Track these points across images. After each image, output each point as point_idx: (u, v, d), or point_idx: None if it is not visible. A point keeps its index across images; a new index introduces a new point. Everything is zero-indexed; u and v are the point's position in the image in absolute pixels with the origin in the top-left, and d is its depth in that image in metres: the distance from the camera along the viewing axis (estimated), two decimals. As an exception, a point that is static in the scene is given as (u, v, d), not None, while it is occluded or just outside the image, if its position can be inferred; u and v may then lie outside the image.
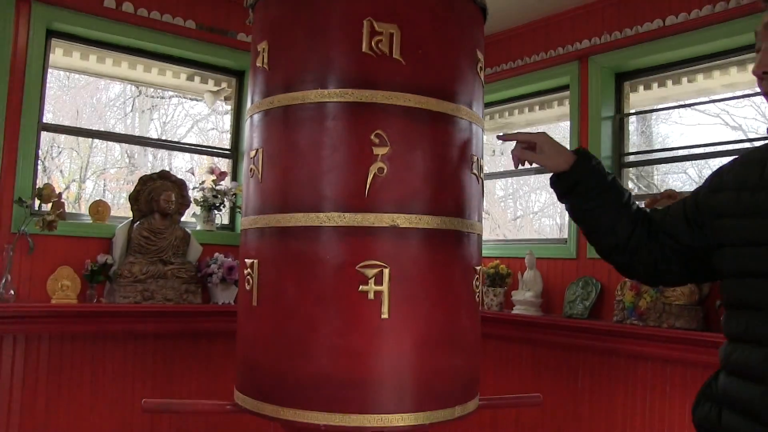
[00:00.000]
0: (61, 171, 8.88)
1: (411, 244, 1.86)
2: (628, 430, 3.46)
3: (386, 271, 1.81)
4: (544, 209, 9.56)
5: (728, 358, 1.39)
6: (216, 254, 3.90)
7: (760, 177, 1.39)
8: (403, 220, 1.84)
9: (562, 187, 1.75)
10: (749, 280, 1.35)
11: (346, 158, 1.85)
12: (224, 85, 4.38)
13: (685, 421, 3.18)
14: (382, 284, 1.81)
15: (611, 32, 3.83)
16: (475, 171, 2.04)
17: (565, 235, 4.14)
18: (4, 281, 3.30)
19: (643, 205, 3.32)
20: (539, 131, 1.80)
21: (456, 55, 2.01)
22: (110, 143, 8.98)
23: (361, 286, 1.81)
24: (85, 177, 9.12)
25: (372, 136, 1.84)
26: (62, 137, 8.20)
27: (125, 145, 8.98)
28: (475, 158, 2.05)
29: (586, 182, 1.70)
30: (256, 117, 2.07)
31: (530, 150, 1.80)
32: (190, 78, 4.25)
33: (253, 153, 2.05)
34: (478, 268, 2.06)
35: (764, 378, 1.26)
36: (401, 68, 1.89)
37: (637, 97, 4.05)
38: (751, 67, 1.42)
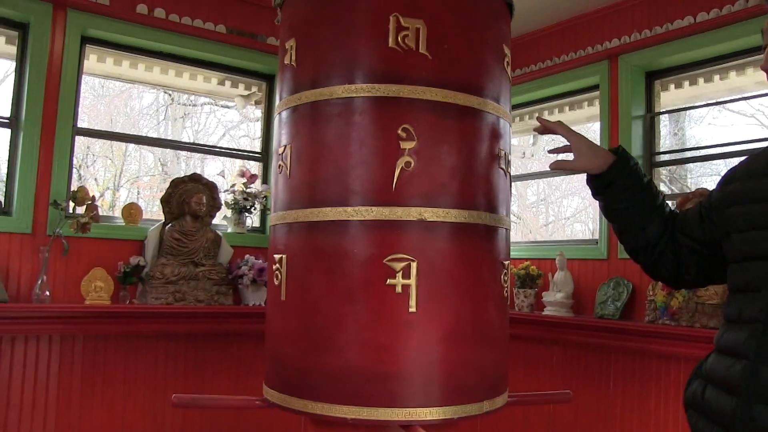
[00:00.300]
0: (95, 179, 9.03)
1: (438, 238, 1.86)
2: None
3: (414, 265, 1.82)
4: (576, 214, 9.47)
5: (720, 339, 1.43)
6: (247, 256, 3.93)
7: (766, 165, 1.42)
8: (430, 214, 1.84)
9: (598, 184, 1.76)
10: (749, 263, 1.39)
11: (374, 152, 1.86)
12: (255, 89, 4.42)
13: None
14: (409, 278, 1.81)
15: (641, 30, 3.80)
16: (502, 166, 2.03)
17: (596, 236, 4.11)
18: (39, 282, 3.37)
19: (674, 205, 3.29)
20: (573, 131, 1.80)
21: (482, 50, 2.01)
22: (144, 152, 9.11)
23: (388, 280, 1.81)
24: (119, 185, 9.27)
25: (399, 131, 1.85)
26: (97, 146, 8.35)
27: (158, 153, 9.13)
28: (503, 153, 2.04)
29: (623, 182, 1.71)
30: (284, 114, 2.09)
31: (566, 152, 1.81)
32: (220, 83, 4.30)
33: (281, 150, 2.07)
34: (506, 262, 2.06)
35: (747, 354, 1.29)
36: (427, 63, 1.90)
37: (669, 96, 4.00)
38: None
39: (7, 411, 3.31)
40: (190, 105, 9.15)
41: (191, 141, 9.19)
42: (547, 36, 4.43)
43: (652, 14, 3.81)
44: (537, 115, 4.63)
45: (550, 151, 1.86)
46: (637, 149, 3.89)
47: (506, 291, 2.06)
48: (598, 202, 1.79)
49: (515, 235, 9.58)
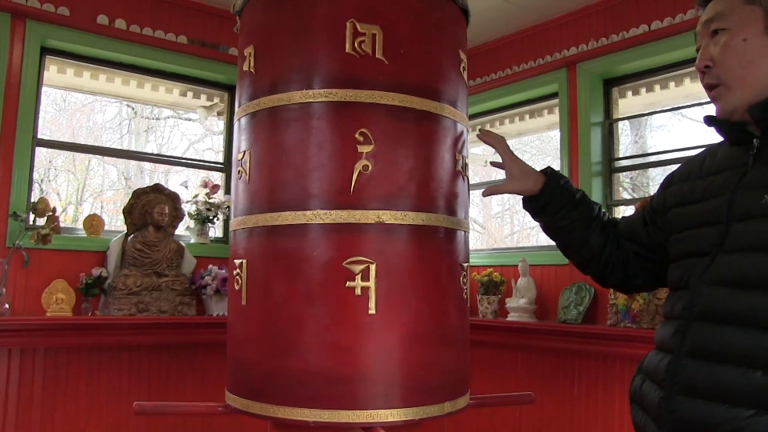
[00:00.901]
0: (57, 193, 8.92)
1: (397, 240, 1.89)
2: (624, 433, 3.46)
3: (372, 267, 1.84)
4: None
5: (656, 335, 1.49)
6: (210, 266, 3.92)
7: (700, 168, 1.51)
8: (388, 216, 1.86)
9: (534, 206, 1.82)
10: (681, 261, 1.46)
11: (331, 156, 1.88)
12: (217, 100, 4.42)
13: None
14: (368, 280, 1.83)
15: (598, 39, 3.88)
16: (460, 169, 2.06)
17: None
18: (-1, 295, 3.32)
19: (634, 210, 3.34)
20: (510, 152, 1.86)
21: (438, 55, 2.04)
22: (107, 166, 9.02)
23: (348, 283, 1.83)
24: (82, 199, 9.16)
25: (357, 135, 1.87)
26: (59, 160, 8.26)
27: (122, 167, 9.05)
28: (460, 156, 2.07)
29: (557, 201, 1.77)
30: (243, 120, 2.10)
31: (500, 168, 1.87)
32: (182, 94, 4.29)
33: (240, 155, 2.08)
34: (465, 264, 2.08)
35: (672, 348, 1.36)
36: (384, 68, 1.93)
37: (627, 103, 4.09)
38: None
39: (-35, 427, 3.26)
40: (153, 118, 9.09)
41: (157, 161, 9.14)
42: (506, 45, 4.50)
43: (608, 23, 3.89)
44: (498, 122, 4.69)
45: (492, 164, 1.92)
46: (596, 155, 3.96)
47: (466, 293, 2.08)
48: (538, 222, 1.85)
49: (480, 245, 9.66)
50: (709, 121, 1.47)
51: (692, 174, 1.53)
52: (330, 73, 1.93)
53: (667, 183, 1.62)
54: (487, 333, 3.98)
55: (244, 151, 2.05)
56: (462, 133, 2.11)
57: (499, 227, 10.21)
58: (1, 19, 3.48)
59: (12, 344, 3.35)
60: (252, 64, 2.08)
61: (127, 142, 9.24)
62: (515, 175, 1.82)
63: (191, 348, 3.89)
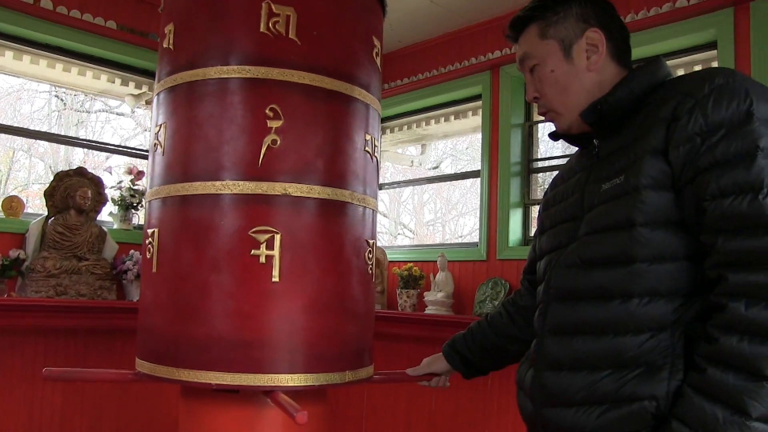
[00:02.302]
0: (-21, 186, 8.68)
1: (303, 213, 1.96)
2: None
3: (277, 237, 1.91)
4: (471, 233, 9.76)
5: None
6: (132, 251, 3.92)
7: (563, 173, 1.74)
8: (294, 189, 1.94)
9: (466, 374, 2.16)
10: (547, 255, 1.64)
11: (242, 130, 1.95)
12: (145, 88, 4.41)
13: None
14: (273, 249, 1.90)
15: (519, 44, 4.03)
16: (368, 149, 2.16)
17: (476, 239, 4.30)
18: None
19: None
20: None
21: (351, 40, 2.13)
22: (33, 158, 8.84)
23: (252, 251, 1.90)
24: (6, 192, 8.94)
25: (267, 110, 1.95)
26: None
27: (49, 161, 8.87)
28: (369, 137, 2.17)
29: (472, 359, 2.10)
30: (161, 95, 2.15)
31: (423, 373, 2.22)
32: (110, 80, 4.27)
33: (157, 128, 2.12)
34: (371, 241, 2.17)
35: (538, 329, 1.58)
36: (297, 48, 2.00)
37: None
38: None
39: None
40: (84, 111, 8.95)
41: (85, 151, 8.99)
42: (433, 47, 4.63)
43: (528, 29, 4.05)
44: (424, 123, 4.82)
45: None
46: (516, 156, 4.12)
47: (371, 268, 2.17)
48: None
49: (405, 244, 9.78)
50: (554, 136, 1.69)
51: (558, 181, 1.76)
52: (244, 51, 1.99)
53: (545, 195, 1.83)
54: (406, 326, 4.08)
55: (161, 125, 2.10)
56: (373, 115, 2.21)
57: (430, 234, 10.37)
58: None
59: None
60: (171, 41, 2.13)
61: (57, 131, 9.06)
62: (423, 364, 2.22)
63: (110, 333, 3.87)
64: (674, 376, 1.29)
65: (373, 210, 2.21)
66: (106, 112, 9.00)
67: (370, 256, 2.16)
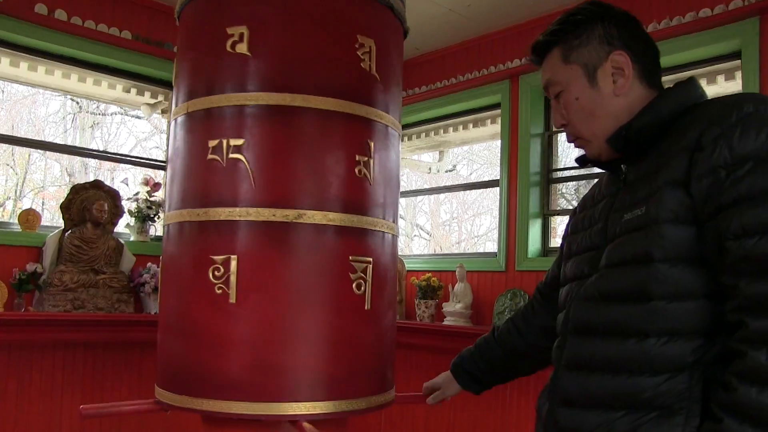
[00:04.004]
0: (-7, 188, 8.71)
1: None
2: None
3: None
4: (488, 233, 9.73)
5: None
6: (149, 264, 3.90)
7: (593, 196, 1.65)
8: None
9: (477, 390, 2.10)
10: (569, 284, 1.58)
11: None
12: (161, 98, 4.39)
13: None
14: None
15: (539, 52, 3.98)
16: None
17: (495, 249, 4.25)
18: (-73, 289, 3.26)
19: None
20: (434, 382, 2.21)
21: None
22: (49, 160, 8.85)
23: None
24: (22, 194, 8.96)
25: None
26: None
27: (65, 163, 8.87)
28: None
29: (483, 376, 2.05)
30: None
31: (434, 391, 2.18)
32: (126, 90, 4.25)
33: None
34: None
35: (555, 363, 1.54)
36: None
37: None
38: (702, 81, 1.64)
39: None
40: (99, 114, 8.95)
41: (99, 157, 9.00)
42: (452, 54, 4.59)
43: (549, 37, 3.99)
44: (442, 131, 4.77)
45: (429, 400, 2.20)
46: (535, 166, 4.07)
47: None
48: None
49: (426, 251, 9.74)
50: (582, 161, 1.62)
51: (587, 203, 1.66)
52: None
53: (573, 213, 1.74)
54: (423, 336, 4.04)
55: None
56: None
57: (446, 235, 10.32)
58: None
59: (-60, 339, 3.28)
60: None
61: (72, 138, 9.08)
62: (439, 384, 2.16)
63: (128, 346, 3.86)
64: (690, 422, 1.24)
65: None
66: (122, 114, 9.00)
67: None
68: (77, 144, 8.96)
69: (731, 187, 1.19)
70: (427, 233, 10.06)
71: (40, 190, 9.16)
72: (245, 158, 1.91)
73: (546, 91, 1.58)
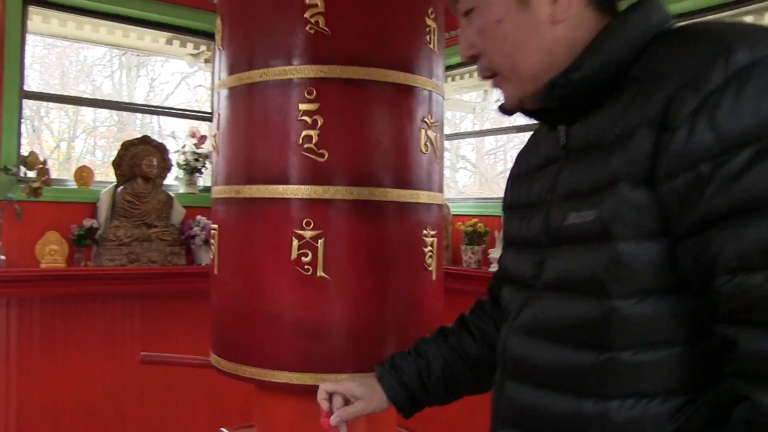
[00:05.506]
0: (50, 130, 8.92)
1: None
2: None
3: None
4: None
5: None
6: (198, 217, 4.00)
7: (528, 155, 1.25)
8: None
9: (408, 413, 1.46)
10: (507, 287, 1.21)
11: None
12: (203, 48, 4.42)
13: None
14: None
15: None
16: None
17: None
18: (-6, 247, 3.43)
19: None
20: (343, 381, 1.46)
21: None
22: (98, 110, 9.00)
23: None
24: (75, 136, 9.17)
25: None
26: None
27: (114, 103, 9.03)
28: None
29: (420, 396, 1.43)
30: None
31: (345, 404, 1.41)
32: (168, 42, 4.29)
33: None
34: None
35: (492, 416, 1.17)
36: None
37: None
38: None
39: (-34, 373, 3.42)
40: (144, 55, 9.02)
41: (147, 89, 9.12)
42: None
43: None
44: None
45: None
46: None
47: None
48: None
49: (471, 182, 9.70)
50: (504, 109, 1.18)
51: (529, 159, 1.23)
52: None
53: (513, 170, 1.31)
54: (469, 282, 4.10)
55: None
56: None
57: (492, 165, 10.25)
58: (-18, -28, 3.48)
59: (9, 295, 3.47)
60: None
61: (118, 77, 9.21)
62: (357, 395, 1.40)
63: (181, 295, 4.01)
64: None
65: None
66: (164, 61, 9.06)
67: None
68: (123, 83, 9.11)
69: (720, 191, 0.81)
70: (472, 164, 10.00)
71: (92, 130, 9.35)
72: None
73: (451, 4, 1.16)
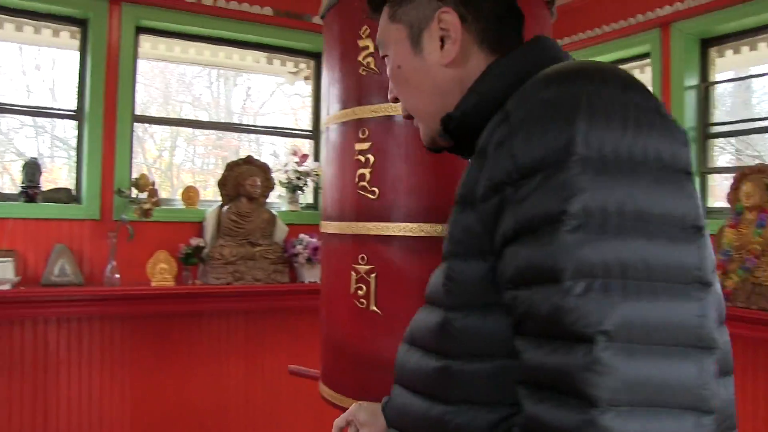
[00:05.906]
0: (153, 140, 9.25)
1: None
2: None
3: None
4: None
5: None
6: (301, 235, 4.06)
7: None
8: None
9: None
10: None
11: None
12: (303, 66, 4.48)
13: (768, 400, 3.16)
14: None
15: (694, -3, 3.70)
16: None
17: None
18: (109, 266, 3.57)
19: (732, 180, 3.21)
20: (350, 409, 1.40)
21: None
22: (198, 111, 9.26)
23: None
24: (176, 145, 9.47)
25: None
26: (153, 107, 8.54)
27: (212, 113, 9.27)
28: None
29: None
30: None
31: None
32: (269, 62, 4.39)
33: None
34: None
35: None
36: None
37: (724, 62, 3.89)
38: None
39: (90, 383, 3.58)
40: (242, 71, 9.24)
41: (243, 98, 9.30)
42: (596, 3, 4.34)
43: (705, -19, 3.69)
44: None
45: None
46: (690, 120, 3.84)
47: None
48: None
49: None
50: (426, 149, 1.25)
51: None
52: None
53: None
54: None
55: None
56: None
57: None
58: (101, 6, 3.66)
59: (125, 312, 3.61)
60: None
61: (216, 87, 9.45)
62: (362, 421, 1.35)
63: (284, 312, 4.08)
64: None
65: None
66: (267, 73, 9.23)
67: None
68: (221, 92, 9.32)
69: (512, 212, 0.86)
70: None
71: (192, 138, 9.64)
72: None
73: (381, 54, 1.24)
